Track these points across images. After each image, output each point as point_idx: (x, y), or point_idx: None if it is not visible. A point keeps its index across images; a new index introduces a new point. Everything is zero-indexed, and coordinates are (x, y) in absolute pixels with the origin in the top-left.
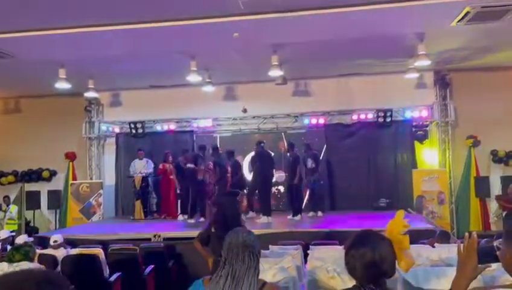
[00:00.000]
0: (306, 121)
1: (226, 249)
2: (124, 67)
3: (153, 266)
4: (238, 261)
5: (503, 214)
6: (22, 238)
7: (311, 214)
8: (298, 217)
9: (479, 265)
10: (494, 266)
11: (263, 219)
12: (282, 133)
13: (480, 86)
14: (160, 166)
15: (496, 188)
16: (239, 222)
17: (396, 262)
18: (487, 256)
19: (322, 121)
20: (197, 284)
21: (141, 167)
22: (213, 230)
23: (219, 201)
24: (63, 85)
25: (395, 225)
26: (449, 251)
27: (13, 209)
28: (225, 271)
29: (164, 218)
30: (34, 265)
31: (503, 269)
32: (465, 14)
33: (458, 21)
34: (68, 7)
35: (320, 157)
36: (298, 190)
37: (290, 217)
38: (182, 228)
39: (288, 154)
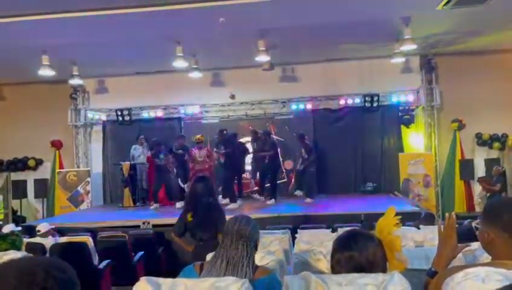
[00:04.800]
0: (294, 106)
1: (223, 234)
2: (109, 54)
3: (142, 253)
4: (232, 248)
5: (487, 196)
6: (8, 228)
7: (297, 192)
8: (272, 201)
9: (459, 244)
10: (476, 245)
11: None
12: (270, 119)
13: (465, 70)
14: (148, 154)
15: (480, 170)
16: (211, 206)
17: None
18: (466, 235)
19: (309, 106)
20: (188, 269)
21: (141, 152)
22: (189, 219)
23: (191, 186)
24: (46, 72)
25: (386, 223)
26: (433, 233)
27: None
28: (221, 255)
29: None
30: (22, 254)
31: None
32: None
33: (444, 5)
34: None
35: (307, 142)
36: (274, 175)
37: (268, 201)
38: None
39: (265, 141)
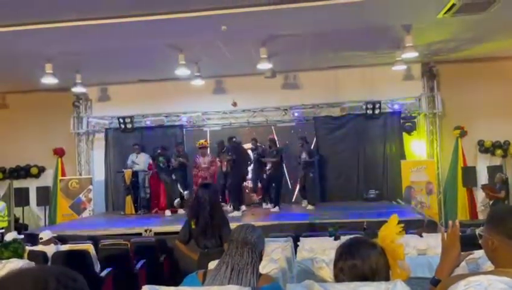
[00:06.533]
0: (296, 113)
1: (229, 241)
2: (112, 62)
3: (144, 260)
4: (237, 255)
5: (490, 203)
6: (11, 236)
7: (304, 204)
8: (276, 209)
9: (462, 252)
10: (479, 254)
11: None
12: (272, 127)
13: (466, 77)
14: (150, 161)
15: (482, 177)
16: (215, 214)
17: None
18: (469, 244)
19: (311, 113)
20: (191, 277)
21: (141, 161)
22: (193, 226)
23: (195, 194)
24: (49, 80)
25: (389, 231)
26: (436, 240)
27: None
28: (226, 262)
29: (155, 213)
30: (24, 262)
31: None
32: (452, 6)
33: (445, 13)
34: (53, 1)
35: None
36: (277, 182)
37: (271, 209)
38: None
39: (270, 149)
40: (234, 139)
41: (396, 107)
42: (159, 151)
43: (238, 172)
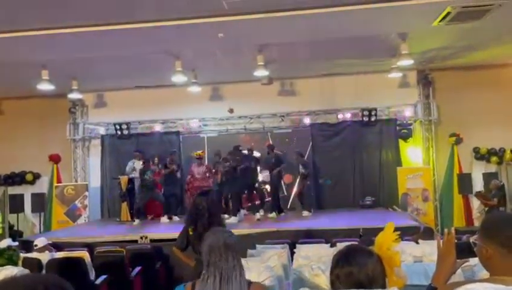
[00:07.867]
0: (292, 120)
1: (208, 251)
2: (108, 68)
3: (140, 267)
4: (222, 261)
5: (486, 210)
6: (5, 243)
7: (305, 213)
8: (273, 215)
9: (458, 260)
10: (475, 261)
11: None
12: (268, 133)
13: (462, 84)
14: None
15: (478, 184)
16: (212, 220)
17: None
18: (465, 251)
19: (308, 120)
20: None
21: (140, 167)
22: (190, 232)
23: (193, 201)
24: (45, 86)
25: (385, 238)
26: (432, 247)
27: None
28: (211, 272)
29: (152, 219)
30: (19, 269)
31: None
32: (446, 14)
33: (440, 21)
34: (50, 7)
35: (306, 157)
36: (275, 189)
37: (269, 215)
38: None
39: (268, 155)
40: (241, 148)
41: (392, 114)
42: (142, 166)
43: (245, 180)
